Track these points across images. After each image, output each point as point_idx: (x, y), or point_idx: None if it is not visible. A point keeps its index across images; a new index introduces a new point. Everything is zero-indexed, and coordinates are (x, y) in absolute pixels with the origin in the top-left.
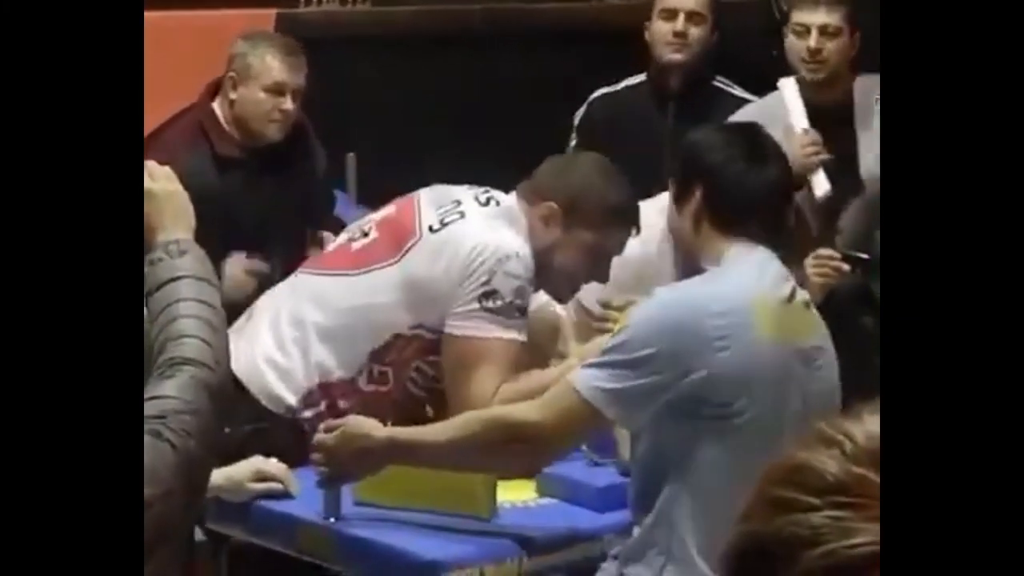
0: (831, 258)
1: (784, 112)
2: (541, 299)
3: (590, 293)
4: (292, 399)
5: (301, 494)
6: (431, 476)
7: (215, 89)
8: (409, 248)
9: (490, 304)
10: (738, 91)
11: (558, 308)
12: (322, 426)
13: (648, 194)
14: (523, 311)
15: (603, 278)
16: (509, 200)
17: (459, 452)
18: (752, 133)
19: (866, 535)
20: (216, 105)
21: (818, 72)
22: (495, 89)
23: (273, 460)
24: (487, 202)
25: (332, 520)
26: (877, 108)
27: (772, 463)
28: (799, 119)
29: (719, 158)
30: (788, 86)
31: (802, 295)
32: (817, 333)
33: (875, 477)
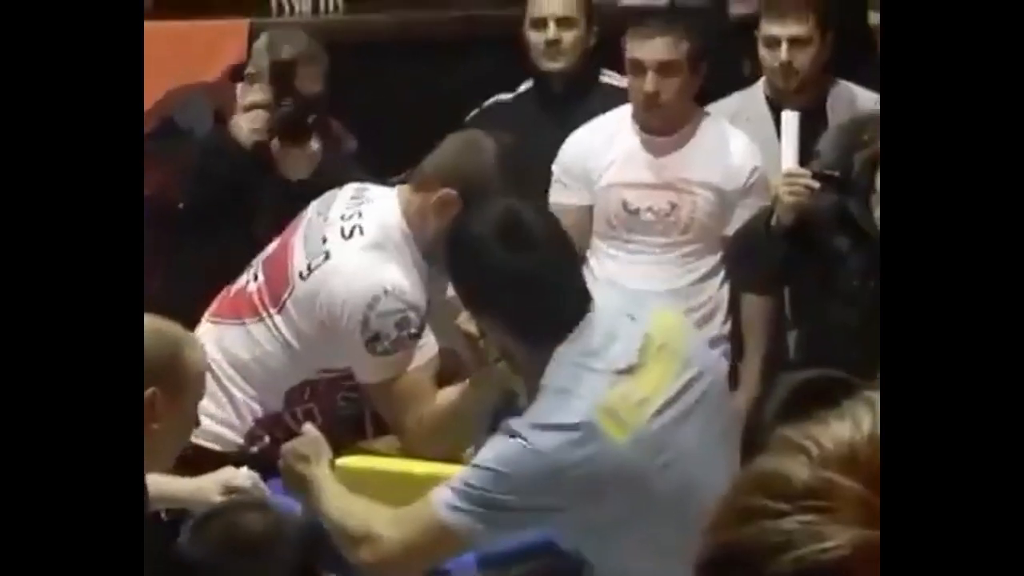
0: (803, 176)
1: (780, 145)
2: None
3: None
4: (239, 439)
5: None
6: (404, 481)
7: (233, 73)
8: (285, 300)
9: (378, 348)
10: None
11: None
12: (285, 444)
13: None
14: (416, 335)
15: None
16: (382, 210)
17: (333, 530)
18: (509, 220)
19: (837, 539)
20: (238, 89)
21: (791, 82)
22: (472, 93)
23: (243, 470)
24: (351, 233)
25: None
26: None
27: (740, 473)
28: (790, 157)
29: (488, 269)
30: (790, 121)
31: (637, 344)
32: (669, 375)
33: (844, 481)
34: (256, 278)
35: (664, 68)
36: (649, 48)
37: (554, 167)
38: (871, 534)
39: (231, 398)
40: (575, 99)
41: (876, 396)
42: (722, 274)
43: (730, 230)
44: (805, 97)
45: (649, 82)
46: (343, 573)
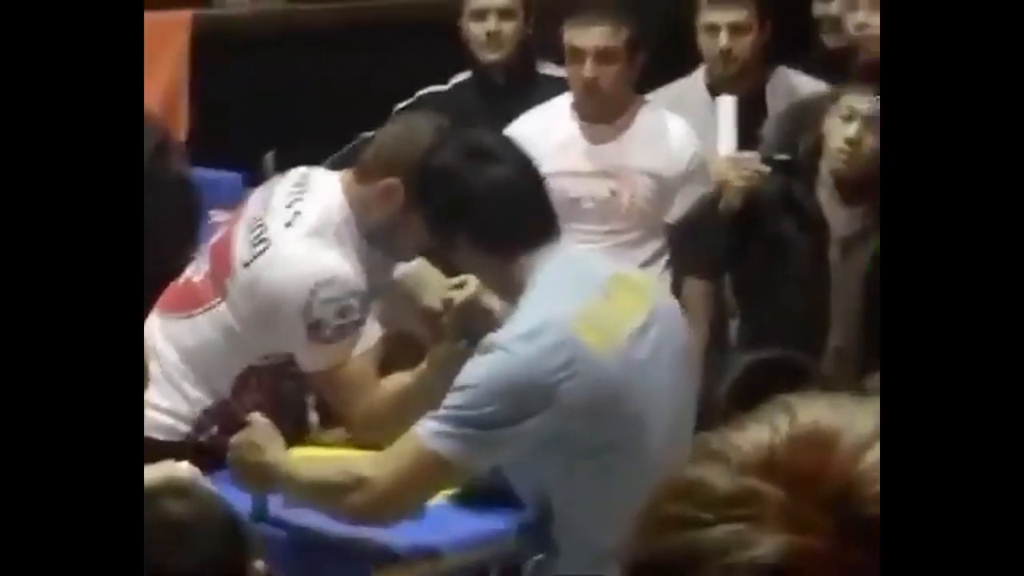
0: (752, 161)
1: (716, 130)
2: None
3: (432, 292)
4: (187, 428)
5: (232, 498)
6: None
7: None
8: (228, 288)
9: (319, 335)
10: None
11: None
12: (235, 437)
13: None
14: (357, 322)
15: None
16: (324, 196)
17: (314, 493)
18: (471, 141)
19: (764, 546)
20: None
21: (730, 68)
22: (410, 82)
23: (184, 464)
24: (292, 221)
25: (260, 523)
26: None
27: (662, 481)
28: (728, 142)
29: (454, 184)
30: (726, 105)
31: (611, 273)
32: (647, 300)
33: (766, 487)
34: (201, 267)
35: (602, 55)
36: (588, 35)
37: None
38: (798, 540)
39: (178, 388)
40: (515, 90)
41: (793, 400)
42: (664, 260)
43: (671, 217)
44: (745, 84)
45: (588, 69)
46: (274, 563)
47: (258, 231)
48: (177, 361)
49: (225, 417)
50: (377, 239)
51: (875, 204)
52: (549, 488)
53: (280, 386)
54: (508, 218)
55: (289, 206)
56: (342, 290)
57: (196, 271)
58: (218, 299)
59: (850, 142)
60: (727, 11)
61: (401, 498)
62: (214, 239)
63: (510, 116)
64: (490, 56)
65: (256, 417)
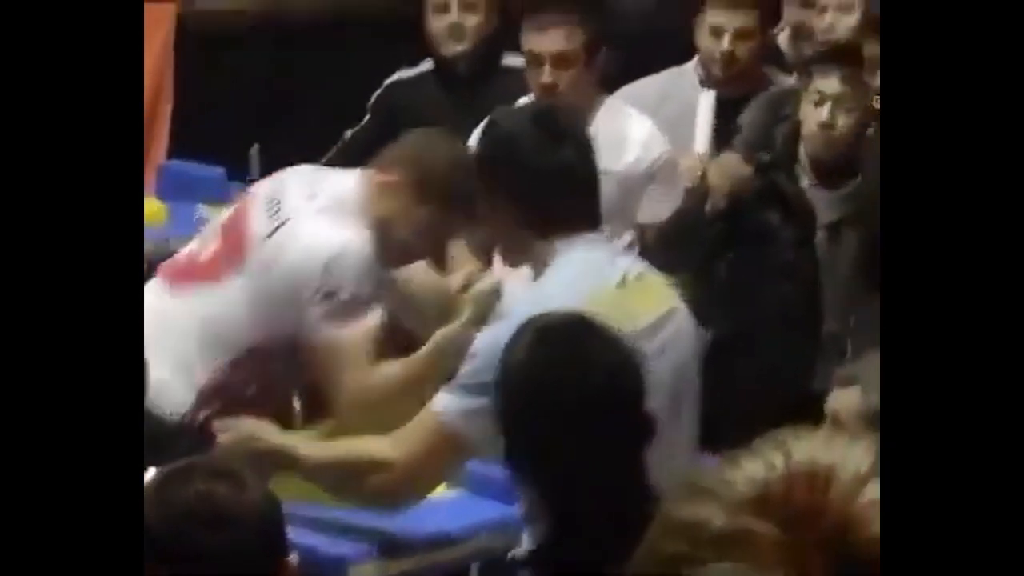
0: (733, 162)
1: (695, 123)
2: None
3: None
4: (187, 405)
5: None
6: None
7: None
8: (246, 260)
9: (331, 305)
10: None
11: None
12: (216, 424)
13: None
14: (369, 299)
15: (439, 259)
16: (337, 183)
17: (327, 475)
18: (545, 118)
19: None
20: None
21: (730, 70)
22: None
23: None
24: (313, 195)
25: None
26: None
27: (658, 520)
28: (702, 140)
29: (513, 152)
30: (705, 102)
31: (635, 270)
32: (661, 300)
33: (761, 526)
34: (209, 245)
35: (560, 59)
36: (545, 40)
37: None
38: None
39: (180, 363)
40: (478, 82)
41: (788, 436)
42: (633, 256)
43: (642, 216)
44: (741, 86)
45: (546, 74)
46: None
47: (276, 206)
48: (180, 335)
49: (226, 397)
50: (378, 241)
51: (856, 185)
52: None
53: (272, 372)
54: (558, 200)
55: (308, 186)
56: (358, 261)
57: (203, 249)
58: (230, 274)
59: (823, 126)
60: (734, 15)
61: (423, 476)
62: (224, 219)
63: (473, 108)
64: (452, 48)
65: (237, 421)
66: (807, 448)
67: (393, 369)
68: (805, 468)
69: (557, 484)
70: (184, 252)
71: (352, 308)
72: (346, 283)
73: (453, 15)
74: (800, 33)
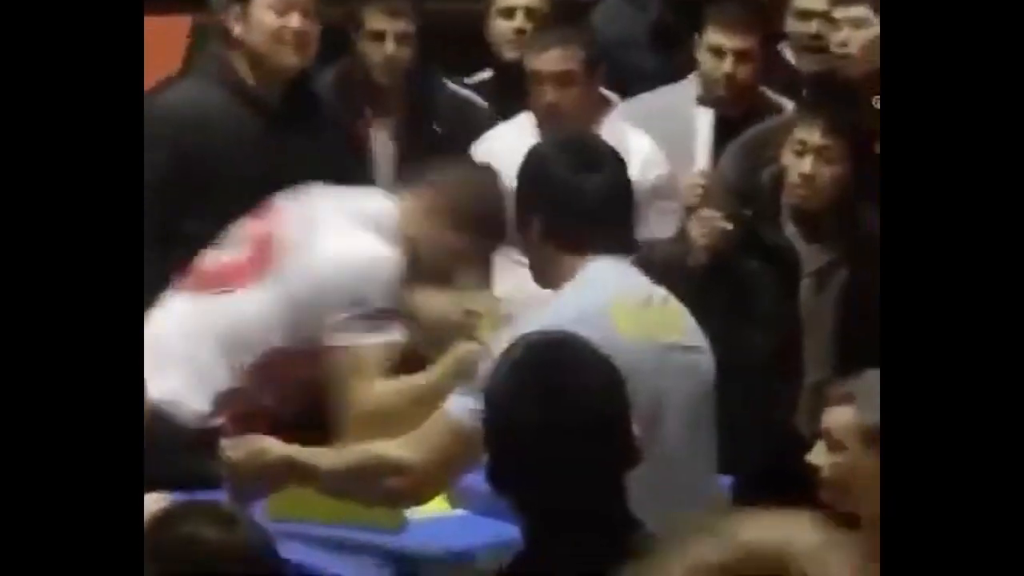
0: (713, 219)
1: (694, 139)
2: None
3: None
4: (204, 408)
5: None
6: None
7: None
8: (277, 265)
9: (358, 312)
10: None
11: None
12: (223, 443)
13: None
14: (393, 313)
15: (462, 281)
16: (371, 201)
17: (343, 481)
18: (579, 143)
19: None
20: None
21: (730, 92)
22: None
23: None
24: (346, 209)
25: None
26: None
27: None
28: (702, 158)
29: (549, 177)
30: (704, 119)
31: (660, 295)
32: (684, 330)
33: None
34: (237, 249)
35: (561, 79)
36: (545, 60)
37: None
38: None
39: (198, 368)
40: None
41: (734, 517)
42: None
43: (645, 231)
44: (740, 105)
45: (548, 94)
46: None
47: (313, 214)
48: (199, 340)
49: (243, 403)
50: (411, 256)
51: (838, 238)
52: None
53: (289, 381)
54: (589, 223)
55: (340, 199)
56: (388, 274)
57: (229, 256)
58: (258, 280)
59: (805, 177)
60: (734, 37)
61: (438, 477)
62: (252, 226)
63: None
64: (514, 54)
65: (239, 439)
66: (753, 529)
67: (404, 384)
68: (752, 549)
69: (535, 502)
70: (208, 259)
71: (378, 319)
72: (375, 294)
73: (518, 20)
74: (807, 47)
